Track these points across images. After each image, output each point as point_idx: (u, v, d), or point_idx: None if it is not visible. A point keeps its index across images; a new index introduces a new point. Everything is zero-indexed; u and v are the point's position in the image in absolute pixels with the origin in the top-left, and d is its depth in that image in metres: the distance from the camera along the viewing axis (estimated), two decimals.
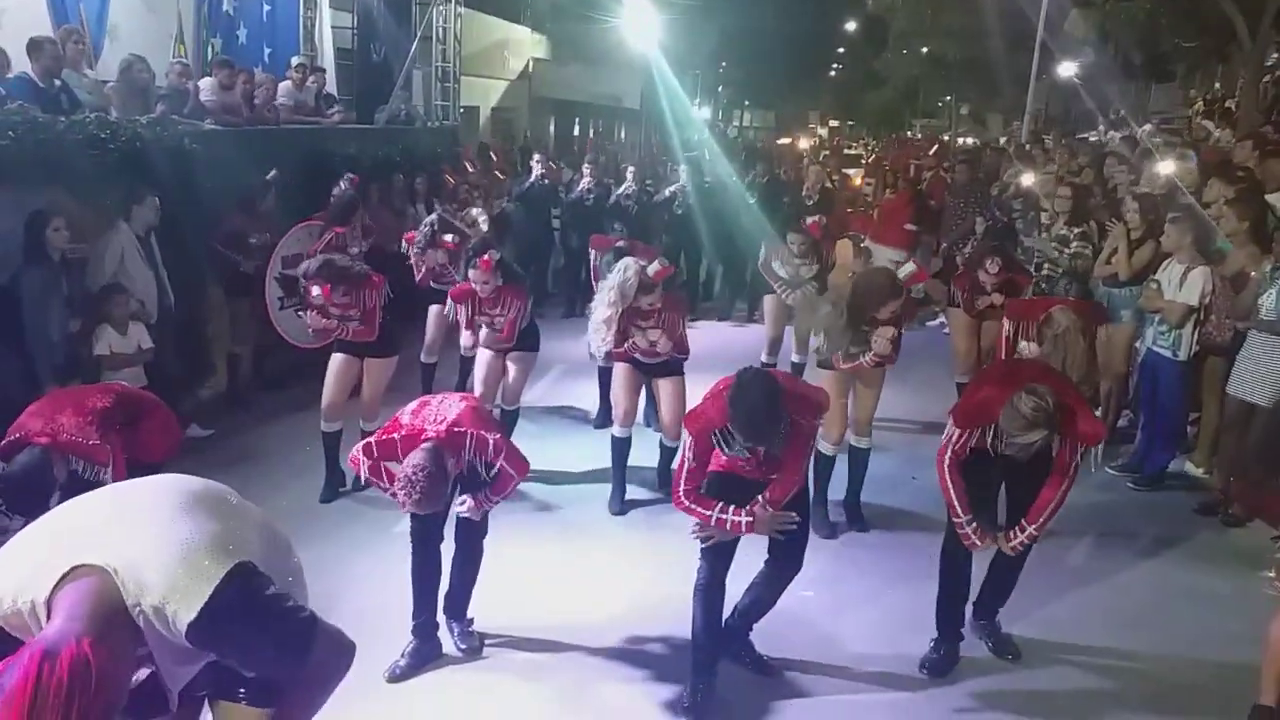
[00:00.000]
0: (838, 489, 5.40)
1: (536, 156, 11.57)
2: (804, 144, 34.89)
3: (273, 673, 2.12)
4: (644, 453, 5.80)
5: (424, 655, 3.92)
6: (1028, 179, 8.94)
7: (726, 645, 3.93)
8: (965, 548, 3.86)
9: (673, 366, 5.54)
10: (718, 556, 3.71)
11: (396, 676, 3.82)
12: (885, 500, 5.62)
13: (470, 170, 11.28)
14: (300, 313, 5.79)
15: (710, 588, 3.72)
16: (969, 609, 4.14)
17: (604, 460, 5.77)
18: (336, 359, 5.59)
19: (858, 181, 16.16)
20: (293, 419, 6.63)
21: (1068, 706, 3.79)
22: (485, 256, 5.56)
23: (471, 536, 3.97)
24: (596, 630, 4.21)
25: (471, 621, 4.12)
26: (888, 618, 4.38)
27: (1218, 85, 18.79)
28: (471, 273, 5.64)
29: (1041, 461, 3.72)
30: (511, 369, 5.94)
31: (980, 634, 4.20)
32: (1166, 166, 7.89)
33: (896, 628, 4.25)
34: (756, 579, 3.94)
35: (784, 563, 3.86)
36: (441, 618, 4.04)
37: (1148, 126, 12.52)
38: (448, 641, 4.04)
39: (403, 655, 3.89)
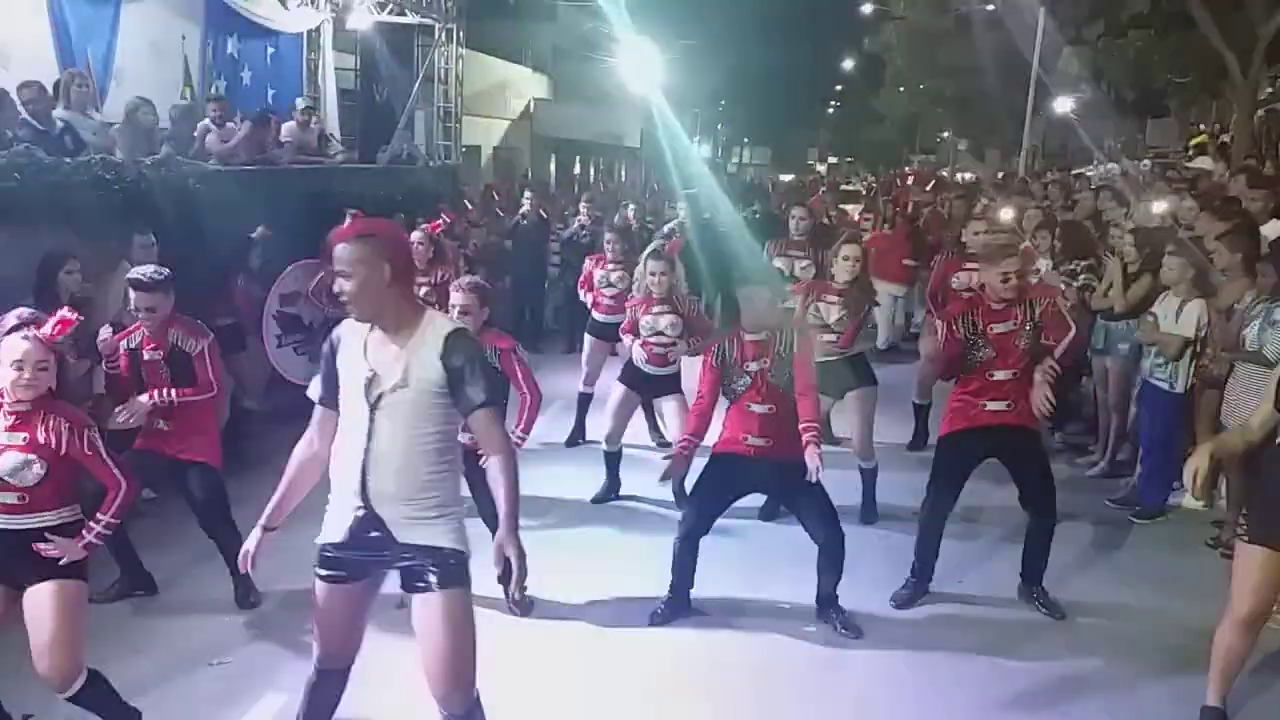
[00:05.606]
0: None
1: (527, 194, 11.67)
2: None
3: None
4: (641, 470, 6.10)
5: None
6: (1006, 214, 8.89)
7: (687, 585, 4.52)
8: (938, 515, 4.69)
9: (673, 386, 5.97)
10: (698, 515, 4.42)
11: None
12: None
13: (469, 209, 11.37)
14: (298, 350, 5.81)
15: (684, 539, 4.40)
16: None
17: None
18: None
19: (855, 217, 16.22)
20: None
21: None
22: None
23: None
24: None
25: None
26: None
27: (1216, 125, 18.93)
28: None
29: (1030, 445, 4.66)
30: None
31: (1030, 598, 4.80)
32: (1160, 205, 7.93)
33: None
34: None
35: (821, 531, 4.37)
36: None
37: (1144, 163, 12.62)
38: None
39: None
